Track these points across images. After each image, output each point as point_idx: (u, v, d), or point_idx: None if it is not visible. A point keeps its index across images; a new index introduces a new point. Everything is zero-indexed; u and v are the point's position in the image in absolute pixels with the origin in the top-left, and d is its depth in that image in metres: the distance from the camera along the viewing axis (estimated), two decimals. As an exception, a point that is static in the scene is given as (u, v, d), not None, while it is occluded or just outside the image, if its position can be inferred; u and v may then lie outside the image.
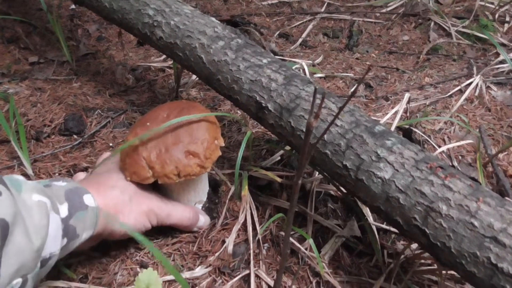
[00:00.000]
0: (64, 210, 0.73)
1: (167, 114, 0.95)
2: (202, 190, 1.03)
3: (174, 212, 0.94)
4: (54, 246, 0.69)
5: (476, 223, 0.67)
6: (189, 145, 0.90)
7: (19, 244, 0.61)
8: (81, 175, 1.00)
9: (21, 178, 0.70)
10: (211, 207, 1.03)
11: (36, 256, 0.64)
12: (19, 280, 0.62)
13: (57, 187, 0.76)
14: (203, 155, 0.90)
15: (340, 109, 0.51)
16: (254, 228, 0.98)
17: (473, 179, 0.74)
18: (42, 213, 0.66)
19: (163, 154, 0.89)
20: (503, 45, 1.91)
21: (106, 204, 0.83)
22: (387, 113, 1.40)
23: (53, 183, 0.78)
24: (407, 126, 1.34)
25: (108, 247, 0.94)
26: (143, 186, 0.93)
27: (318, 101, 0.84)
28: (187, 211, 0.96)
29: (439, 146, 1.28)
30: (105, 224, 0.82)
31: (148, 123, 0.95)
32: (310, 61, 1.80)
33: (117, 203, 0.86)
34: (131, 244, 0.95)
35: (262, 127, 1.23)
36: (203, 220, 1.00)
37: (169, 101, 1.23)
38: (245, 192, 1.02)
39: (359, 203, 1.01)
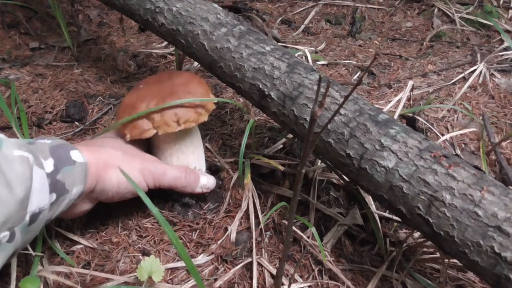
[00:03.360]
0: (49, 165, 0.72)
1: (158, 78, 1.00)
2: (200, 156, 1.03)
3: (169, 171, 0.93)
4: (42, 200, 0.69)
5: (480, 212, 0.66)
6: (185, 95, 0.94)
7: (1, 195, 0.61)
8: None
9: (2, 135, 0.69)
10: (215, 191, 1.04)
11: (21, 207, 0.64)
12: (6, 234, 0.63)
13: (42, 144, 0.75)
14: (199, 104, 0.95)
15: (346, 98, 0.51)
16: (256, 216, 0.98)
17: (476, 167, 0.74)
18: (24, 166, 0.66)
19: (161, 104, 0.92)
20: (507, 31, 1.89)
21: (97, 158, 0.82)
22: (390, 101, 1.39)
23: (38, 140, 0.77)
24: (410, 114, 1.33)
25: (110, 234, 0.95)
26: (137, 147, 0.94)
27: (322, 90, 0.84)
28: (183, 169, 0.96)
29: (442, 134, 1.27)
30: (96, 179, 0.81)
31: (141, 86, 0.99)
32: (313, 48, 1.79)
33: (108, 157, 0.85)
34: (133, 231, 0.96)
35: (265, 115, 1.22)
36: (206, 179, 0.99)
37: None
38: (248, 180, 1.02)
39: (362, 192, 1.01)
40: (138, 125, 0.92)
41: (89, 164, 0.79)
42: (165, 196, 1.01)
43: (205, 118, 0.95)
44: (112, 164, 0.84)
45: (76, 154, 0.77)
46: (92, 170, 0.80)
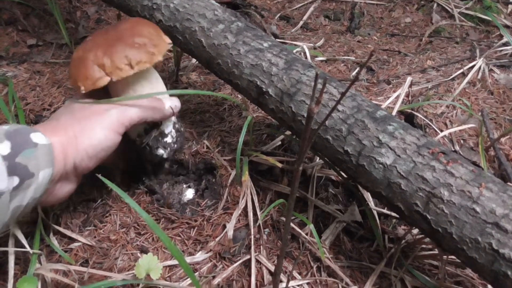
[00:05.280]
0: (5, 147, 0.68)
1: (104, 30, 0.95)
2: (164, 99, 0.98)
3: (131, 107, 0.88)
4: None
5: (478, 209, 0.66)
6: (134, 37, 0.90)
7: None
8: None
9: None
10: (213, 188, 1.03)
11: None
12: None
13: None
14: (151, 44, 0.90)
15: (342, 94, 0.50)
16: (254, 213, 0.98)
17: (475, 163, 0.74)
18: None
19: (109, 49, 0.87)
20: (506, 27, 1.88)
21: (59, 135, 0.78)
22: (388, 97, 1.39)
23: None
24: (409, 111, 1.33)
25: (108, 231, 0.95)
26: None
27: (319, 86, 0.83)
28: (143, 100, 0.91)
29: (441, 130, 1.27)
30: (64, 159, 0.78)
31: (88, 39, 0.94)
32: (311, 44, 1.78)
33: (67, 127, 0.81)
34: (131, 229, 0.95)
35: (263, 112, 1.22)
36: (170, 101, 0.96)
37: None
38: (246, 177, 1.02)
39: (360, 188, 1.01)
40: (90, 75, 0.86)
41: (53, 144, 0.75)
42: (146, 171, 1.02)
43: (159, 58, 0.90)
44: (80, 132, 0.80)
45: (38, 136, 0.73)
46: (58, 149, 0.76)
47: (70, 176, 0.83)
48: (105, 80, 0.86)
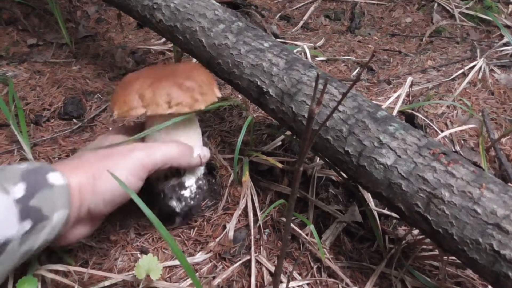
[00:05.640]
0: (18, 190, 0.65)
1: (164, 65, 0.94)
2: (197, 140, 0.95)
3: (158, 147, 0.83)
4: (7, 229, 0.62)
5: (479, 210, 0.66)
6: (185, 80, 0.87)
7: None
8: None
9: None
10: (213, 188, 1.03)
11: None
12: None
13: (11, 169, 0.68)
14: (198, 91, 0.87)
15: (344, 95, 0.50)
16: (255, 214, 0.98)
17: (476, 164, 0.74)
18: None
19: (156, 83, 0.85)
20: (507, 27, 1.88)
21: (77, 175, 0.74)
22: (389, 97, 1.39)
23: (10, 166, 0.70)
24: (409, 111, 1.32)
25: (108, 232, 0.94)
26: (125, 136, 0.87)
27: (320, 86, 0.83)
28: (173, 142, 0.87)
29: (442, 131, 1.27)
30: (80, 201, 0.74)
31: (143, 69, 0.93)
32: (312, 44, 1.78)
33: (87, 168, 0.76)
34: (131, 230, 0.95)
35: (263, 112, 1.22)
36: (200, 149, 0.92)
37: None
38: (246, 177, 1.01)
39: (361, 189, 1.01)
40: (127, 101, 0.84)
41: (71, 184, 0.72)
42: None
43: (201, 106, 0.87)
44: (99, 177, 0.76)
45: (55, 177, 0.70)
46: (75, 190, 0.73)
47: (84, 219, 0.78)
48: (140, 111, 0.84)
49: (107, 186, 0.76)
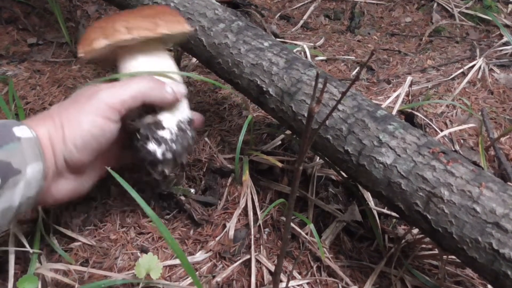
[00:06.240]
0: None
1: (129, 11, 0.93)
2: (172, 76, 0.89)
3: (127, 85, 0.79)
4: None
5: (478, 209, 0.66)
6: (145, 12, 0.89)
7: None
8: None
9: None
10: (213, 188, 1.03)
11: None
12: None
13: None
14: (159, 17, 0.86)
15: (343, 94, 0.50)
16: (255, 213, 0.98)
17: (475, 163, 0.74)
18: None
19: (117, 17, 0.85)
20: (506, 26, 1.88)
21: (47, 126, 0.72)
22: (389, 97, 1.39)
23: None
24: (409, 110, 1.33)
25: (108, 231, 0.95)
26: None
27: (319, 86, 0.83)
28: (143, 77, 0.82)
29: (441, 130, 1.27)
30: (52, 151, 0.71)
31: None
32: (312, 44, 1.78)
33: (55, 117, 0.73)
34: (131, 229, 0.95)
35: (263, 111, 1.22)
36: (172, 83, 0.85)
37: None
38: (246, 177, 1.02)
39: (360, 188, 1.01)
40: (89, 37, 0.83)
41: (40, 136, 0.70)
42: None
43: (163, 30, 0.84)
44: (62, 123, 0.73)
45: (22, 130, 0.67)
46: (45, 142, 0.71)
47: (64, 172, 0.76)
48: (102, 42, 0.81)
49: (76, 132, 0.73)
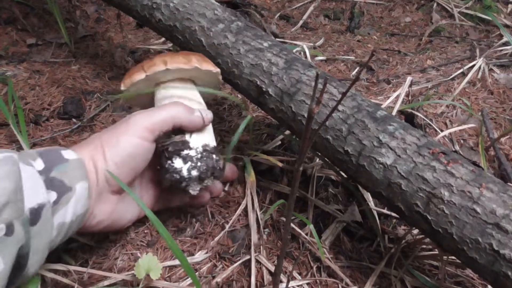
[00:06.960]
0: (39, 164, 0.69)
1: None
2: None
3: (158, 111, 0.85)
4: (37, 196, 0.65)
5: (478, 209, 0.66)
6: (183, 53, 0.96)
7: None
8: None
9: None
10: None
11: (15, 199, 0.61)
12: (2, 226, 0.59)
13: (27, 151, 0.73)
14: (192, 55, 0.94)
15: (343, 94, 0.50)
16: (254, 213, 0.98)
17: (475, 163, 0.74)
18: (9, 164, 0.62)
19: (156, 56, 0.93)
20: (506, 26, 1.88)
21: (89, 150, 0.78)
22: (388, 97, 1.39)
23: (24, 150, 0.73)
24: (409, 110, 1.32)
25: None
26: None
27: (319, 86, 0.83)
28: (172, 103, 0.89)
29: (441, 130, 1.27)
30: (95, 171, 0.76)
31: None
32: (311, 44, 1.78)
33: (98, 142, 0.79)
34: (131, 229, 0.95)
35: (263, 111, 1.22)
36: (203, 111, 0.90)
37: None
38: (252, 177, 1.02)
39: (360, 188, 1.01)
40: (131, 72, 0.92)
41: (83, 158, 0.75)
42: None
43: (197, 64, 0.91)
44: (102, 144, 0.79)
45: (68, 153, 0.74)
46: (89, 162, 0.76)
47: (105, 193, 0.79)
48: (140, 75, 0.90)
49: (115, 150, 0.79)
